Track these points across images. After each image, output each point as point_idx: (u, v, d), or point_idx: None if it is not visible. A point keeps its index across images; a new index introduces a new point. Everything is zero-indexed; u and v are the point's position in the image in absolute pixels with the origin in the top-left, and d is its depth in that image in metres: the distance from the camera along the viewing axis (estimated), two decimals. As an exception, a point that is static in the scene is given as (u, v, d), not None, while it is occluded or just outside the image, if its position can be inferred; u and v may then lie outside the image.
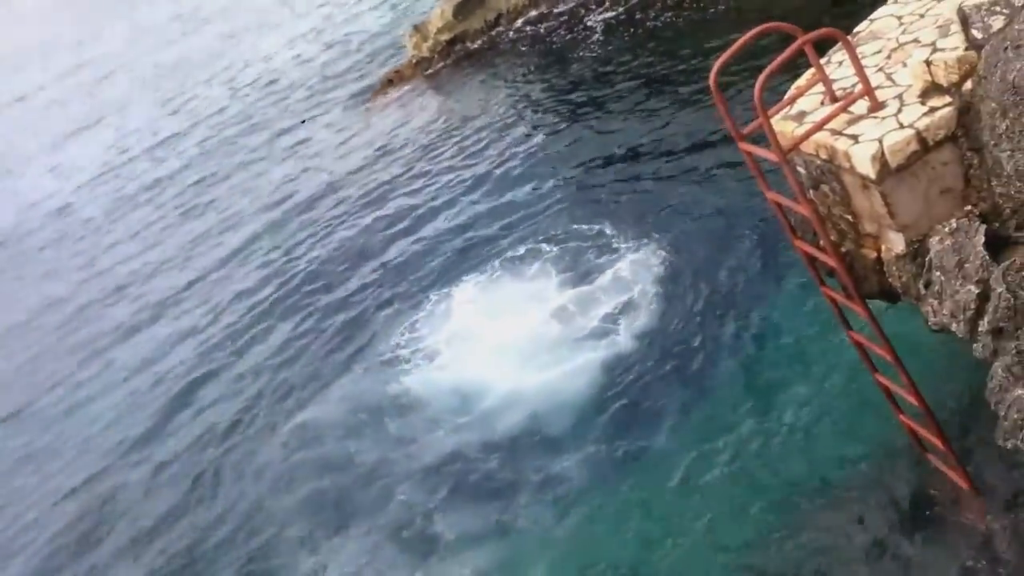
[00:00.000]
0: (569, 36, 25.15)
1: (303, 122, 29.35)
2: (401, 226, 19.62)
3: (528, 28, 27.26)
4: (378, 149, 24.38)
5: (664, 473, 10.75)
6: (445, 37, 28.32)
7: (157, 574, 13.44)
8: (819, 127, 7.27)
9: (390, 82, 28.90)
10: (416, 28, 29.24)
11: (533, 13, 27.62)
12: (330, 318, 17.48)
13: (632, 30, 23.43)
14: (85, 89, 48.38)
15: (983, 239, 6.75)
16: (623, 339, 13.32)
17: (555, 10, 27.26)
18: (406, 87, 27.94)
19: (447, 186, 20.33)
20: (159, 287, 22.66)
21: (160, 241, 25.61)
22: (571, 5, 26.93)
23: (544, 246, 16.24)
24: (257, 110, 32.99)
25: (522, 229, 17.10)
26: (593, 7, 25.97)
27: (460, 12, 28.19)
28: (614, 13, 24.88)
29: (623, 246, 15.31)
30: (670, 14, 22.87)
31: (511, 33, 27.48)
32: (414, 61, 28.73)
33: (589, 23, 25.14)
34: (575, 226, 16.38)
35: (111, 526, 14.86)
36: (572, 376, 13.13)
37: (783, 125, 7.69)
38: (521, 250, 16.45)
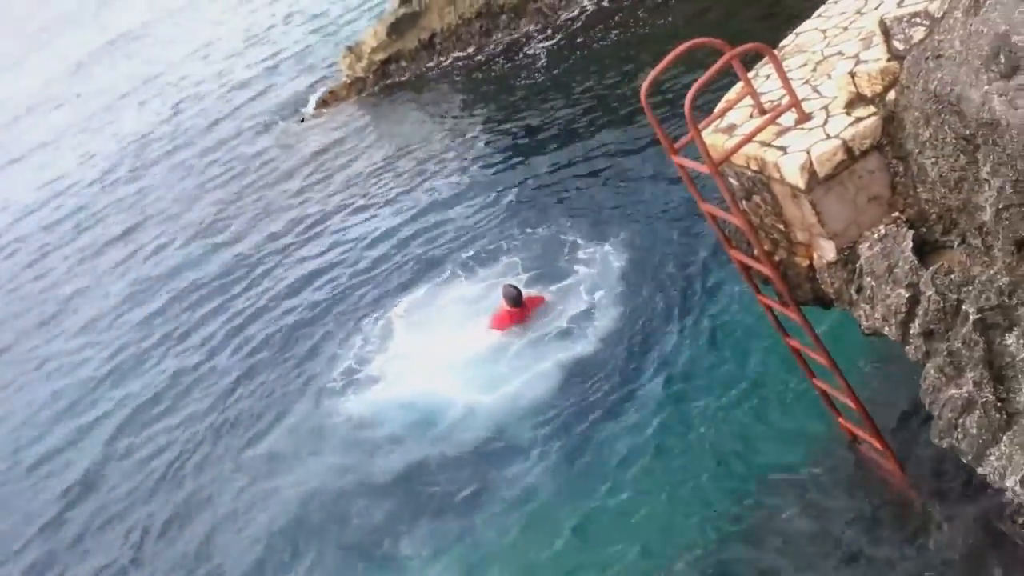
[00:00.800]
0: (508, 61, 25.24)
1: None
2: (343, 248, 19.42)
3: (465, 56, 27.29)
4: (314, 171, 24.17)
5: (622, 477, 10.81)
6: (380, 57, 28.28)
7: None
8: (748, 139, 7.41)
9: (324, 103, 28.79)
10: (350, 49, 29.16)
11: (468, 44, 27.66)
12: (274, 345, 17.17)
13: (572, 52, 23.58)
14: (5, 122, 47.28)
15: (911, 244, 6.91)
16: (577, 345, 13.33)
17: (492, 37, 27.37)
18: (342, 108, 27.85)
19: (386, 207, 20.22)
20: (87, 317, 21.98)
21: (87, 270, 24.90)
22: (513, 36, 27.05)
23: (489, 260, 16.25)
24: (188, 132, 32.49)
25: (466, 244, 17.04)
26: (534, 34, 26.11)
27: (394, 31, 28.17)
28: (553, 40, 25.01)
29: (571, 255, 15.36)
30: (614, 32, 23.09)
31: (449, 59, 27.50)
32: (348, 81, 28.65)
33: (528, 49, 25.26)
34: (519, 239, 16.39)
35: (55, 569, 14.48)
36: (528, 384, 13.13)
37: (714, 138, 7.82)
38: (467, 264, 16.41)
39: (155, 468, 15.44)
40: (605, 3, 25.19)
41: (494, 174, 19.52)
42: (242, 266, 20.77)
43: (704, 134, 7.47)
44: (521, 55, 25.01)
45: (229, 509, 13.71)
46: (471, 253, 16.59)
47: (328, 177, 23.39)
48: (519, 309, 13.83)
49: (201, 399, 16.62)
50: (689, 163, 7.69)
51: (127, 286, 22.71)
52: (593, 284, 14.33)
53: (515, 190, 18.32)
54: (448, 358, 14.14)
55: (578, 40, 23.90)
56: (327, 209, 21.56)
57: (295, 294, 18.44)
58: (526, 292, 14.16)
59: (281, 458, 14.14)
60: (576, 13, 25.63)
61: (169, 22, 51.38)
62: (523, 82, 23.35)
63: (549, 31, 25.60)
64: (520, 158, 19.64)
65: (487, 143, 21.35)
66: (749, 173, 7.69)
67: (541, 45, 24.97)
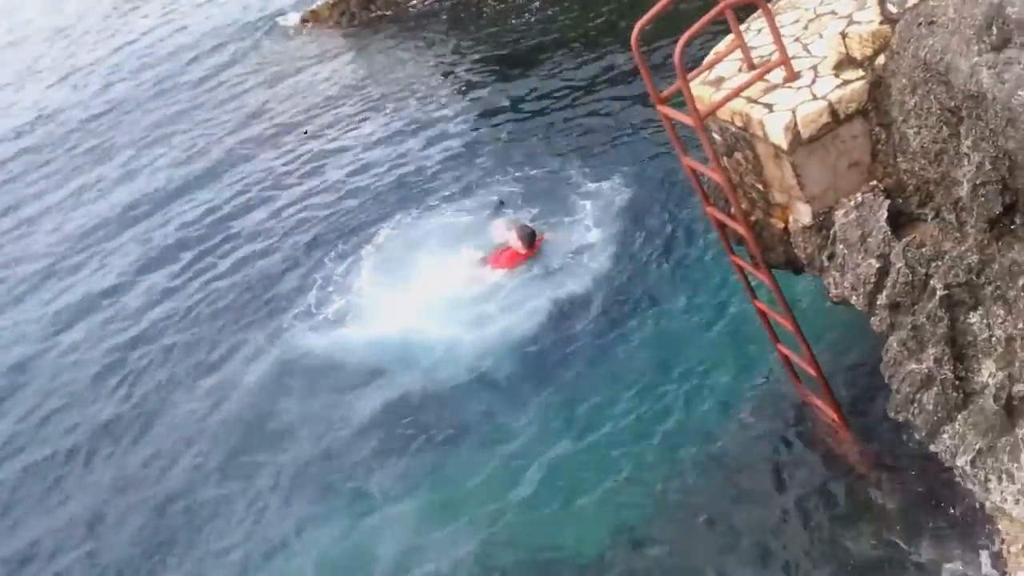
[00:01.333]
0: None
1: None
2: (321, 170, 18.97)
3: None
4: (291, 95, 23.63)
5: (595, 423, 10.78)
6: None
7: (60, 534, 12.88)
8: (735, 94, 7.28)
9: (304, 22, 28.28)
10: (333, -33, 28.53)
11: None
12: (246, 270, 16.83)
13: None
14: None
15: (886, 214, 6.83)
16: (566, 286, 13.17)
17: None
18: (324, 32, 27.29)
19: (369, 132, 19.74)
20: (47, 241, 21.07)
21: (57, 187, 23.99)
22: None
23: (477, 192, 16.01)
24: (162, 44, 31.34)
25: (455, 175, 16.74)
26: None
27: (383, -47, 27.57)
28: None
29: (564, 193, 15.14)
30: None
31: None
32: (331, 2, 28.07)
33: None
34: (510, 175, 16.13)
35: (18, 485, 14.16)
36: (514, 323, 12.96)
37: (701, 90, 7.68)
38: (454, 194, 16.15)
39: (121, 387, 14.97)
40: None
41: (482, 111, 19.18)
42: (210, 194, 19.92)
43: (692, 85, 7.33)
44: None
45: (190, 433, 13.33)
46: (459, 186, 16.31)
47: (304, 103, 22.75)
48: (529, 250, 13.67)
49: (159, 323, 16.19)
50: (674, 113, 7.55)
51: (91, 212, 21.65)
52: (585, 225, 14.14)
53: (505, 127, 18.02)
54: (431, 293, 13.97)
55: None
56: (301, 137, 21.08)
57: (264, 223, 17.84)
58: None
59: (251, 386, 13.73)
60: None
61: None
62: (513, 20, 22.95)
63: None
64: (509, 97, 19.28)
65: (476, 79, 20.94)
66: (733, 129, 7.56)
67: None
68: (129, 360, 15.46)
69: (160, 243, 18.67)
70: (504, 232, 14.08)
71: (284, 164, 20.00)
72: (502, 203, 14.33)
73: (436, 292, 13.94)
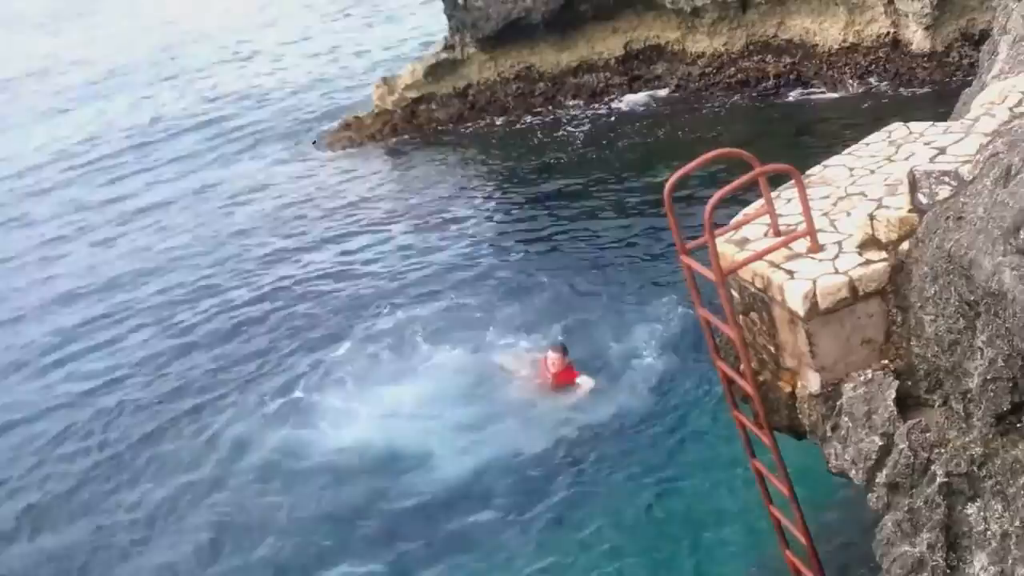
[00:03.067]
0: (540, 132, 25.43)
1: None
2: (322, 274, 19.39)
3: (494, 122, 27.49)
4: (318, 195, 24.15)
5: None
6: (412, 95, 28.57)
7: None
8: (759, 256, 7.48)
9: (347, 126, 28.98)
10: (384, 80, 29.45)
11: (504, 108, 27.89)
12: (233, 362, 16.98)
13: (605, 136, 23.80)
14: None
15: (894, 394, 6.95)
16: (585, 420, 13.29)
17: (532, 99, 27.64)
18: (361, 144, 27.88)
19: (379, 243, 20.21)
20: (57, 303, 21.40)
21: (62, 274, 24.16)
22: (547, 110, 27.31)
23: (470, 316, 16.22)
24: (199, 133, 32.20)
25: (449, 302, 17.08)
26: (569, 111, 26.35)
27: (431, 74, 28.52)
28: (587, 123, 25.17)
29: (587, 331, 15.39)
30: (660, 131, 23.31)
31: (482, 122, 27.69)
32: (376, 112, 28.88)
33: (561, 128, 25.47)
34: (501, 309, 16.42)
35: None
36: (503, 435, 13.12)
37: (725, 247, 7.88)
38: (440, 318, 16.39)
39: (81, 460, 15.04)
40: (643, 97, 25.54)
41: (499, 235, 19.62)
42: (231, 286, 20.34)
43: (717, 242, 7.53)
44: (553, 130, 25.24)
45: (141, 516, 13.31)
46: (466, 314, 16.49)
47: (329, 206, 23.31)
48: (562, 372, 13.76)
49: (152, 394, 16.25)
50: (697, 266, 7.74)
51: (94, 279, 22.09)
52: (614, 365, 14.26)
53: (533, 258, 18.43)
54: (412, 400, 14.06)
55: (613, 127, 24.16)
56: (322, 234, 21.42)
57: (262, 319, 18.19)
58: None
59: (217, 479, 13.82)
60: (617, 105, 25.94)
61: (214, 24, 51.39)
62: (550, 157, 23.54)
63: (584, 113, 25.91)
64: (540, 225, 19.80)
65: (510, 204, 21.50)
66: (752, 289, 7.74)
67: (574, 127, 25.23)
68: (105, 448, 15.36)
69: (182, 337, 18.70)
70: (528, 358, 14.20)
71: (302, 267, 20.21)
72: (564, 346, 14.30)
73: (421, 398, 14.08)
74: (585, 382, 13.88)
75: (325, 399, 14.90)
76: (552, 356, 13.76)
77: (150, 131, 33.29)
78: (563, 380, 13.78)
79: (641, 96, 26.31)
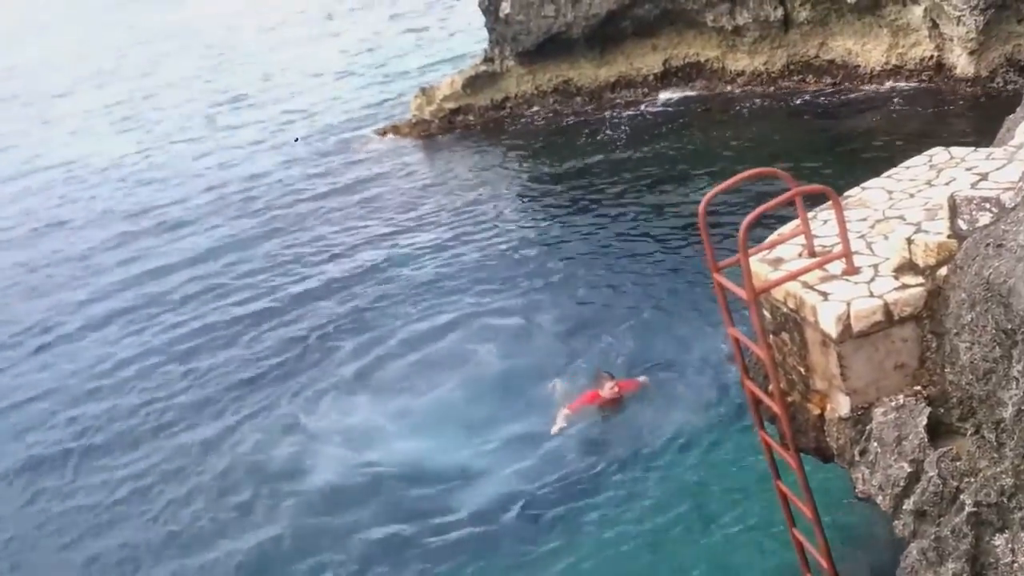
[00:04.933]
0: (583, 131, 25.45)
1: (296, 140, 29.32)
2: (354, 276, 19.48)
3: (540, 116, 27.61)
4: (351, 195, 24.32)
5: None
6: (450, 105, 28.75)
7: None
8: (793, 276, 7.42)
9: (384, 133, 29.23)
10: (423, 90, 29.69)
11: (542, 106, 28.04)
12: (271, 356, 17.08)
13: (645, 140, 23.75)
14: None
15: (925, 421, 6.86)
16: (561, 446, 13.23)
17: (570, 107, 27.72)
18: (401, 142, 28.16)
19: (410, 247, 20.29)
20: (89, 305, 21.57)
21: (92, 257, 24.48)
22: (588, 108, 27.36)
23: (495, 330, 16.19)
24: (237, 139, 32.60)
25: (471, 307, 17.08)
26: (609, 118, 26.39)
27: (470, 85, 28.68)
28: (625, 130, 25.17)
29: (573, 347, 15.34)
30: (698, 136, 23.28)
31: (523, 119, 27.82)
32: (414, 121, 29.08)
33: (606, 123, 25.46)
34: (527, 319, 16.39)
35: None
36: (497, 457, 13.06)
37: (759, 267, 7.82)
38: (465, 329, 16.37)
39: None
40: (676, 108, 25.50)
41: (531, 244, 19.63)
42: (253, 285, 20.59)
43: (751, 261, 7.48)
44: (593, 131, 25.26)
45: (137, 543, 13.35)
46: (489, 327, 16.49)
47: (365, 203, 23.48)
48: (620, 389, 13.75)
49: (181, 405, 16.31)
50: (729, 284, 7.68)
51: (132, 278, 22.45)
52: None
53: (545, 263, 18.42)
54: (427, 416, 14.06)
55: (650, 137, 24.15)
56: (350, 240, 21.57)
57: (292, 321, 18.28)
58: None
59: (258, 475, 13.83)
60: (657, 108, 25.94)
61: (256, 39, 51.85)
62: (588, 160, 23.54)
63: (623, 121, 25.91)
64: (574, 230, 19.75)
65: (532, 211, 21.49)
66: (784, 309, 7.68)
67: (613, 130, 25.23)
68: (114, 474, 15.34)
69: (186, 342, 18.77)
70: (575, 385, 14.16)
71: (334, 270, 20.30)
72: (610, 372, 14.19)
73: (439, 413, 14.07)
74: (644, 381, 13.97)
75: (353, 408, 14.89)
76: (608, 385, 13.66)
77: (177, 157, 33.45)
78: (623, 393, 13.77)
79: (676, 95, 26.26)
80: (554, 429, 13.50)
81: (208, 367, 17.19)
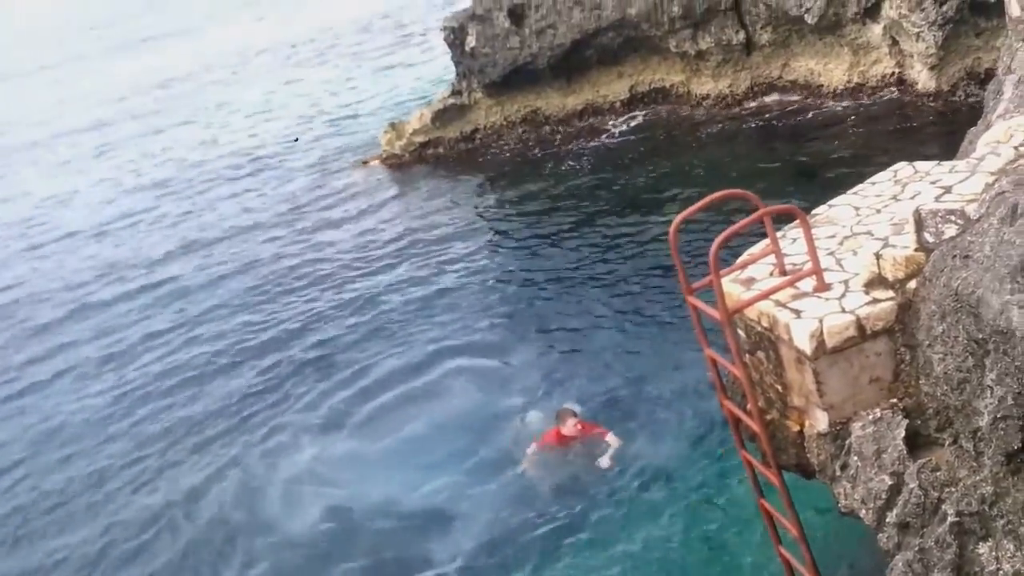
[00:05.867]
0: (551, 161, 25.60)
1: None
2: (318, 314, 19.44)
3: (507, 147, 27.76)
4: (320, 231, 24.33)
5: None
6: (420, 139, 28.86)
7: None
8: (765, 295, 7.48)
9: (354, 168, 29.33)
10: (392, 125, 29.79)
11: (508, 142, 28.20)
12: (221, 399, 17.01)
13: (610, 173, 23.92)
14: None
15: (903, 433, 6.91)
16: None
17: (538, 135, 27.88)
18: (373, 175, 28.22)
19: (379, 278, 20.30)
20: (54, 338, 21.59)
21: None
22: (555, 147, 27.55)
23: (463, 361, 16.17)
24: (209, 172, 32.67)
25: (441, 342, 17.09)
26: (575, 149, 26.61)
27: (439, 118, 28.80)
28: (593, 158, 25.35)
29: (539, 382, 15.31)
30: (655, 162, 23.45)
31: (491, 149, 27.96)
32: (384, 156, 29.16)
33: (567, 162, 25.67)
34: (499, 351, 16.36)
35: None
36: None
37: (731, 287, 7.88)
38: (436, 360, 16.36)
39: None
40: (641, 135, 25.71)
41: (499, 272, 19.66)
42: (218, 324, 20.54)
43: (723, 282, 7.54)
44: (558, 164, 25.41)
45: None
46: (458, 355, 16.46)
47: (335, 242, 23.49)
48: (570, 435, 13.38)
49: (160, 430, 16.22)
50: (702, 306, 7.74)
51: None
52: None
53: (514, 292, 18.43)
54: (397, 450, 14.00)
55: (619, 163, 24.31)
56: (318, 274, 21.56)
57: (260, 355, 18.20)
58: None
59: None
60: (623, 136, 26.16)
61: (222, 70, 51.92)
62: (556, 190, 23.65)
63: (590, 150, 26.07)
64: (542, 259, 19.84)
65: (502, 240, 21.54)
66: (758, 328, 7.73)
67: (582, 160, 25.39)
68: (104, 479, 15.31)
69: (182, 359, 18.77)
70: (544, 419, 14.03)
71: (300, 304, 20.27)
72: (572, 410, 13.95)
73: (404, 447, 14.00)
74: (613, 440, 13.37)
75: (319, 449, 14.75)
76: (570, 422, 13.39)
77: (146, 182, 33.54)
78: (583, 437, 13.47)
79: (641, 121, 26.48)
80: (522, 468, 13.35)
81: (166, 414, 17.00)
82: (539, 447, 13.47)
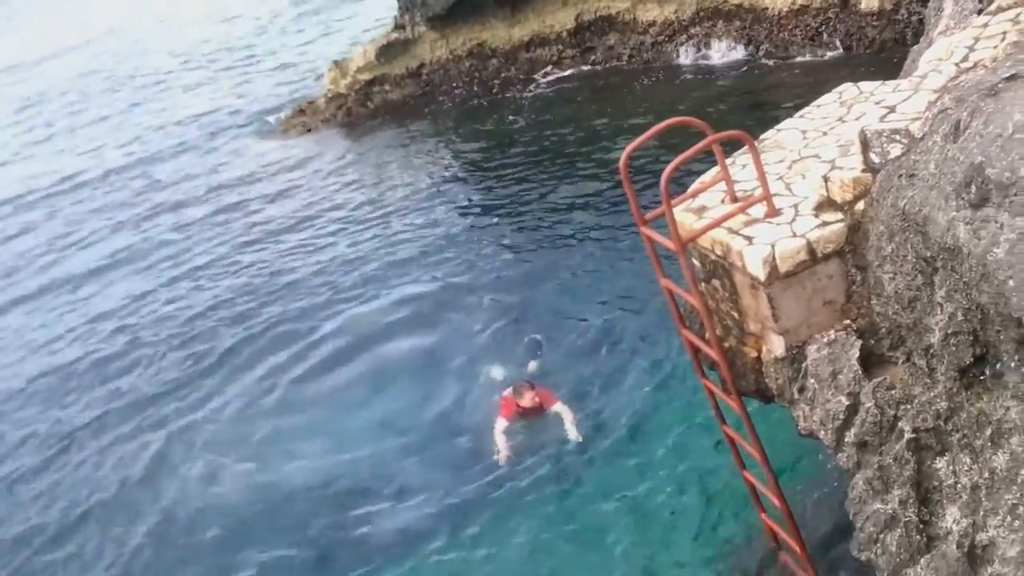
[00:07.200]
0: (500, 106, 25.26)
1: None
2: (274, 269, 19.16)
3: (457, 88, 27.38)
4: (272, 183, 23.91)
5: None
6: (364, 77, 28.34)
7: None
8: (717, 223, 7.48)
9: (302, 111, 28.74)
10: (336, 63, 29.21)
11: (455, 81, 27.78)
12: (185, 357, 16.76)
13: (556, 109, 23.70)
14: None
15: (857, 353, 6.98)
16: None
17: (486, 75, 27.54)
18: (318, 122, 27.69)
19: (333, 233, 20.01)
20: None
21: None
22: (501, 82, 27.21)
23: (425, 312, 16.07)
24: (148, 128, 31.80)
25: (409, 293, 16.94)
26: (521, 84, 26.27)
27: (383, 55, 28.29)
28: (539, 94, 25.05)
29: (504, 318, 15.24)
30: (603, 96, 23.25)
31: (442, 88, 27.58)
32: (329, 96, 28.65)
33: (513, 99, 25.31)
34: (464, 299, 16.25)
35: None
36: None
37: (684, 216, 7.87)
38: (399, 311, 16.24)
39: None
40: (594, 68, 25.49)
41: (456, 218, 19.50)
42: (165, 285, 20.04)
43: (675, 211, 7.52)
44: (506, 107, 25.13)
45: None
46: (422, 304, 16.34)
47: (280, 196, 23.08)
48: (529, 407, 12.96)
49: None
50: (656, 236, 7.73)
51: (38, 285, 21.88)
52: (520, 349, 14.09)
53: (486, 238, 18.30)
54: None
55: (565, 99, 24.10)
56: (269, 228, 21.17)
57: (210, 321, 17.80)
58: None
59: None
60: (567, 73, 25.95)
61: (150, 19, 50.56)
62: (505, 136, 23.40)
63: (537, 85, 25.83)
64: (496, 205, 19.65)
65: (464, 183, 21.35)
66: (712, 257, 7.74)
67: (528, 95, 25.13)
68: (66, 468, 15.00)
69: (142, 338, 18.30)
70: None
71: (252, 262, 19.90)
72: (530, 382, 13.41)
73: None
74: (564, 412, 12.99)
75: (275, 411, 14.54)
76: (527, 395, 12.84)
77: (98, 130, 32.79)
78: (539, 411, 13.25)
79: (592, 68, 26.29)
80: (498, 454, 12.75)
81: (109, 385, 16.58)
82: (506, 419, 13.14)
